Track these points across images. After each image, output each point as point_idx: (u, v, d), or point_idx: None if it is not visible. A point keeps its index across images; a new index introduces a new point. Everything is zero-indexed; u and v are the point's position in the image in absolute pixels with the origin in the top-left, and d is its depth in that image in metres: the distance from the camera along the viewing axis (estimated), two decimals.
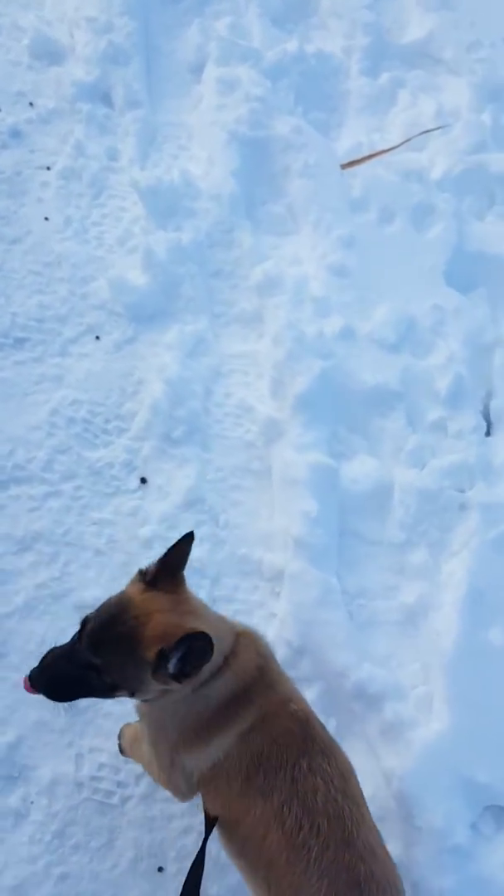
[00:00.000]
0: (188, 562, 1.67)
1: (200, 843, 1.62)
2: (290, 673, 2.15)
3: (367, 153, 3.21)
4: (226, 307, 2.86)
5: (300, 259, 2.96)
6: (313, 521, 2.25)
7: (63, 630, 2.13)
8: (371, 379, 2.56)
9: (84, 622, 1.50)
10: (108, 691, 1.49)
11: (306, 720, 1.58)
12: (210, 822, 1.61)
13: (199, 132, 3.24)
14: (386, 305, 2.73)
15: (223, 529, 2.38)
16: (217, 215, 2.97)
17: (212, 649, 1.36)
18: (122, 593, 1.51)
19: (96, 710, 2.06)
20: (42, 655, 1.52)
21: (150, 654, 1.38)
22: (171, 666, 1.37)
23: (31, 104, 3.25)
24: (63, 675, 1.47)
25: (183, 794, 1.67)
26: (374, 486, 2.41)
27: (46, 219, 2.94)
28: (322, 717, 2.06)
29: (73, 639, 1.50)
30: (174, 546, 1.52)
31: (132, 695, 1.51)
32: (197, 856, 1.59)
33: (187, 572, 2.20)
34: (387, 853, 1.57)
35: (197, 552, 2.26)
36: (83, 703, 2.05)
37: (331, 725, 2.11)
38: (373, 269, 2.84)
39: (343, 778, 1.55)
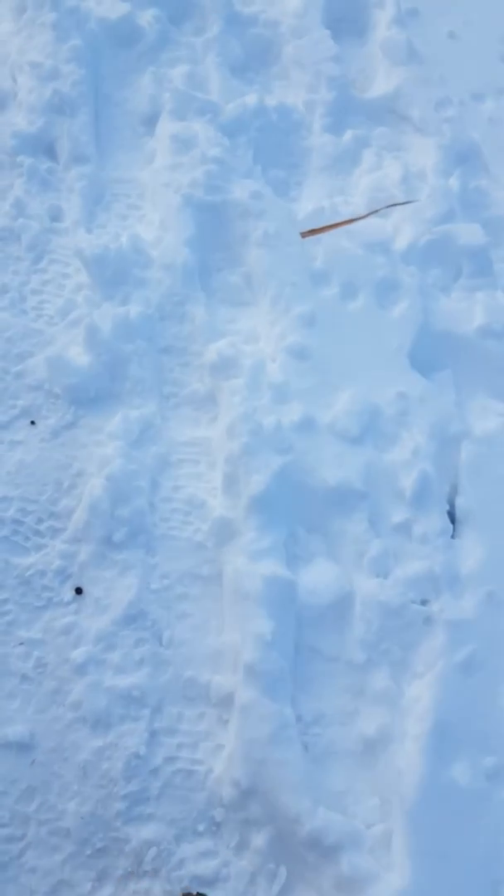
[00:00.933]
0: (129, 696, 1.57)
1: None
2: (237, 815, 2.07)
3: (329, 220, 3.17)
4: (176, 387, 2.78)
5: (257, 336, 2.89)
6: (267, 645, 2.16)
7: None
8: (332, 476, 2.49)
9: None
10: None
11: None
12: None
13: (151, 192, 3.17)
14: (348, 392, 2.67)
15: (167, 648, 2.27)
16: (169, 286, 2.89)
17: None
18: None
19: (20, 866, 1.91)
20: None
21: None
22: None
23: None
24: None
25: None
26: (333, 597, 2.34)
27: None
28: (271, 866, 1.98)
29: None
30: None
31: None
32: None
33: (124, 701, 2.10)
34: None
35: (136, 678, 2.18)
36: (4, 858, 1.91)
37: (280, 875, 2.01)
38: (335, 351, 2.78)
39: None
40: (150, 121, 3.40)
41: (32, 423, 2.57)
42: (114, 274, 2.85)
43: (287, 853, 2.03)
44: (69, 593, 2.30)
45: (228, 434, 2.51)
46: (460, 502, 2.59)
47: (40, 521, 2.41)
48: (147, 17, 3.51)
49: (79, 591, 2.31)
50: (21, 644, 2.19)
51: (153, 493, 2.51)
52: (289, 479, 2.47)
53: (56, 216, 3.07)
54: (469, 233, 3.17)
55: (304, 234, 3.10)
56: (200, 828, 2.05)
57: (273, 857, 2.03)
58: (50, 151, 3.21)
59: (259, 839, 2.04)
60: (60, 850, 1.93)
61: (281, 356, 2.75)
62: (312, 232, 3.12)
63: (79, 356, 2.66)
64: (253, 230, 3.03)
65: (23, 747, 2.04)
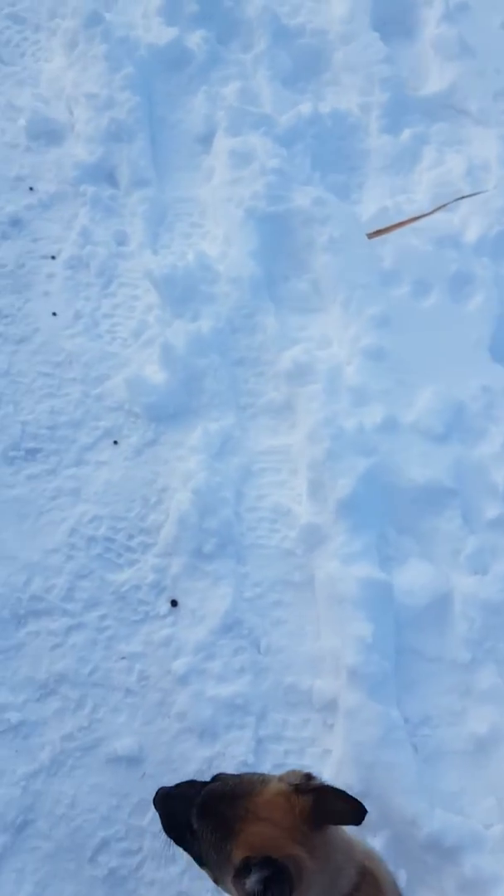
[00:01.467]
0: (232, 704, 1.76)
1: None
2: None
3: (394, 220, 3.22)
4: (252, 398, 2.85)
5: (330, 340, 2.96)
6: (369, 648, 2.18)
7: (97, 786, 2.08)
8: (420, 475, 2.52)
9: (214, 778, 1.50)
10: (196, 859, 1.47)
11: None
12: None
13: (212, 208, 3.28)
14: (429, 389, 2.71)
15: (266, 655, 2.32)
16: (237, 299, 2.98)
17: (289, 886, 1.27)
18: (262, 779, 1.45)
19: (138, 879, 1.98)
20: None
21: (237, 855, 1.32)
22: (250, 883, 1.30)
23: (31, 189, 3.33)
24: (172, 817, 1.49)
25: None
26: (431, 597, 2.36)
27: (54, 314, 2.97)
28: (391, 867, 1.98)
29: (200, 787, 1.48)
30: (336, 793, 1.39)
31: (216, 882, 1.44)
32: None
33: (228, 710, 2.16)
34: None
35: (238, 686, 2.23)
36: (123, 871, 1.98)
37: (401, 877, 2.02)
38: (411, 350, 2.82)
39: None
40: (206, 139, 3.53)
41: (115, 442, 2.68)
42: (183, 292, 2.96)
43: (405, 855, 2.04)
44: (165, 606, 2.38)
45: (310, 440, 2.57)
46: None
47: (131, 537, 2.50)
48: (195, 39, 3.66)
49: (174, 603, 2.39)
50: (123, 658, 2.28)
51: (238, 503, 2.58)
52: (376, 481, 2.51)
53: (122, 241, 3.20)
54: None
55: (370, 236, 3.16)
56: None
57: (391, 860, 2.03)
58: (111, 178, 3.37)
59: (375, 842, 2.05)
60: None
61: (357, 359, 2.80)
62: (379, 232, 3.19)
63: (155, 374, 2.77)
64: (318, 236, 3.11)
65: (132, 761, 2.11)
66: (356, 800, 1.36)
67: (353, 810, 1.36)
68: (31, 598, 2.35)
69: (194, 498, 2.48)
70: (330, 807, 1.38)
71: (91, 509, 2.53)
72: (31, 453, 2.64)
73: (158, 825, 2.01)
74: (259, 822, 1.35)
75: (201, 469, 2.54)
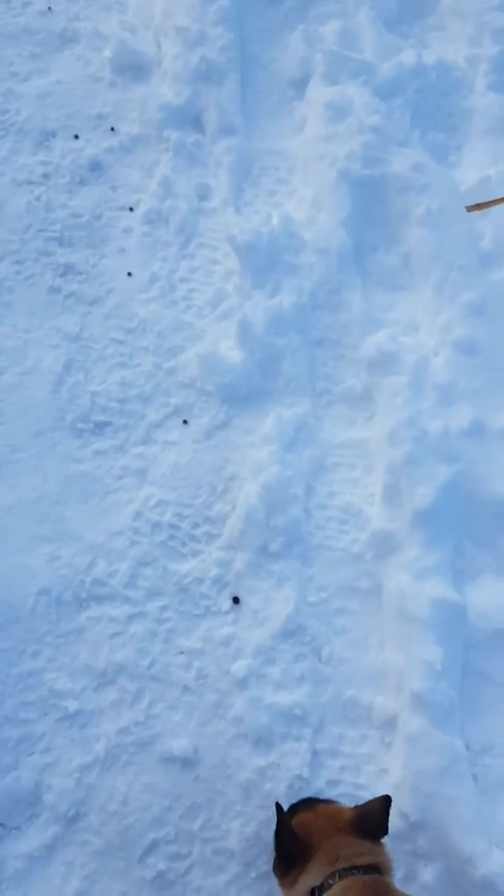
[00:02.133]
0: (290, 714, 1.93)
1: None
2: (404, 846, 2.05)
3: (497, 192, 2.95)
4: (330, 383, 2.70)
5: (417, 325, 2.76)
6: (437, 675, 2.09)
7: (150, 785, 2.06)
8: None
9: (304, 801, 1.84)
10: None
11: None
12: None
13: (302, 164, 3.05)
14: None
15: (327, 665, 2.25)
16: (323, 273, 2.79)
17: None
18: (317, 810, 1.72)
19: (185, 885, 1.98)
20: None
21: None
22: None
23: (112, 129, 3.13)
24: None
25: None
26: None
27: (129, 274, 2.82)
28: None
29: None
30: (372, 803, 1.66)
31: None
32: None
33: (285, 719, 2.11)
34: None
35: (297, 695, 2.17)
36: (171, 875, 1.98)
37: None
38: None
39: None
40: (300, 84, 3.26)
41: (185, 422, 2.57)
42: (265, 261, 2.78)
43: (458, 891, 2.00)
44: (227, 603, 2.31)
45: (390, 441, 2.42)
46: None
47: (196, 525, 2.42)
48: None
49: (236, 600, 2.32)
50: (182, 653, 2.23)
51: (308, 499, 2.47)
52: (457, 491, 2.37)
53: (204, 195, 3.00)
54: None
55: (469, 209, 2.90)
56: None
57: (442, 892, 2.01)
58: (196, 123, 3.14)
59: (427, 873, 2.02)
60: (225, 871, 1.98)
61: (446, 350, 2.61)
62: (479, 206, 2.92)
63: (231, 353, 2.62)
64: (414, 207, 2.87)
65: (187, 762, 2.09)
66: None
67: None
68: (93, 582, 2.30)
69: (263, 493, 2.37)
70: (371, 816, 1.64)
71: (157, 493, 2.44)
72: (100, 427, 2.54)
73: (209, 831, 2.02)
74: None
75: (273, 462, 2.42)
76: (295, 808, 1.82)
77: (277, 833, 1.60)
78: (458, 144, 3.28)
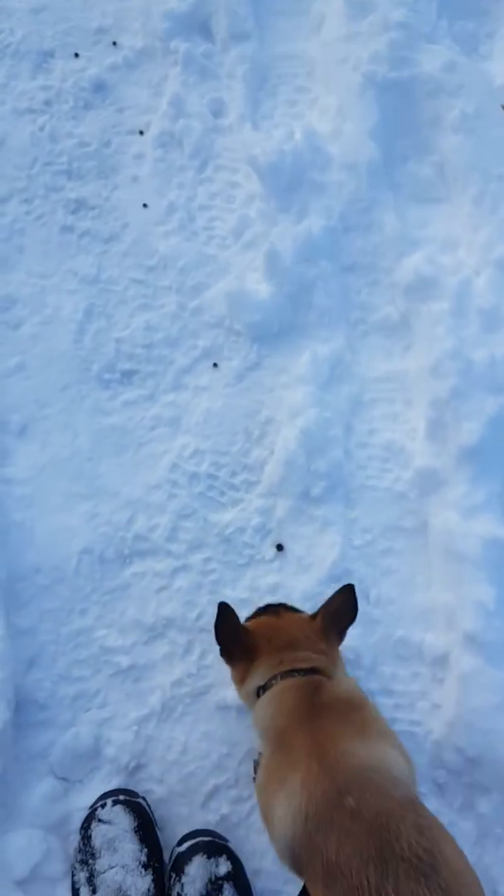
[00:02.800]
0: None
1: None
2: (461, 780, 2.09)
3: None
4: (364, 312, 2.58)
5: (456, 242, 2.60)
6: (490, 614, 2.08)
7: (207, 734, 2.10)
8: None
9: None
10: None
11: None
12: None
13: (322, 69, 2.81)
14: None
15: (375, 607, 2.25)
16: (353, 190, 2.61)
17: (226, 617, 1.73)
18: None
19: (248, 826, 2.05)
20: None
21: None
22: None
23: (114, 44, 2.90)
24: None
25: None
26: None
27: (145, 206, 2.67)
28: (498, 830, 2.01)
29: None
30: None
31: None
32: None
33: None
34: None
35: (347, 638, 2.17)
36: (234, 818, 2.04)
37: None
38: None
39: None
40: None
41: (215, 365, 2.48)
42: (289, 181, 2.61)
43: None
44: (270, 551, 2.29)
45: (432, 373, 2.33)
46: None
47: (234, 474, 2.37)
48: None
49: (280, 547, 2.30)
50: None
51: (347, 439, 2.40)
52: None
53: (218, 111, 2.80)
54: None
55: None
56: (423, 789, 2.10)
57: (500, 822, 2.06)
58: (205, 30, 2.90)
59: (484, 804, 2.06)
60: None
61: (488, 270, 2.47)
62: None
63: (259, 287, 2.50)
64: (447, 111, 2.66)
65: (241, 709, 2.11)
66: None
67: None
68: (135, 538, 2.28)
69: (302, 437, 2.30)
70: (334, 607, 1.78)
71: (192, 442, 2.39)
72: (127, 376, 2.46)
73: None
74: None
75: (310, 404, 2.34)
76: (261, 611, 1.97)
77: (216, 628, 1.74)
78: (490, 31, 3.01)
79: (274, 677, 1.69)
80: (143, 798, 2.00)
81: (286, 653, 1.71)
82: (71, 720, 2.10)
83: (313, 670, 1.68)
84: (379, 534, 2.32)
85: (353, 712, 1.57)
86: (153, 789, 2.06)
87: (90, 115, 2.79)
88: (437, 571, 2.26)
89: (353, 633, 2.18)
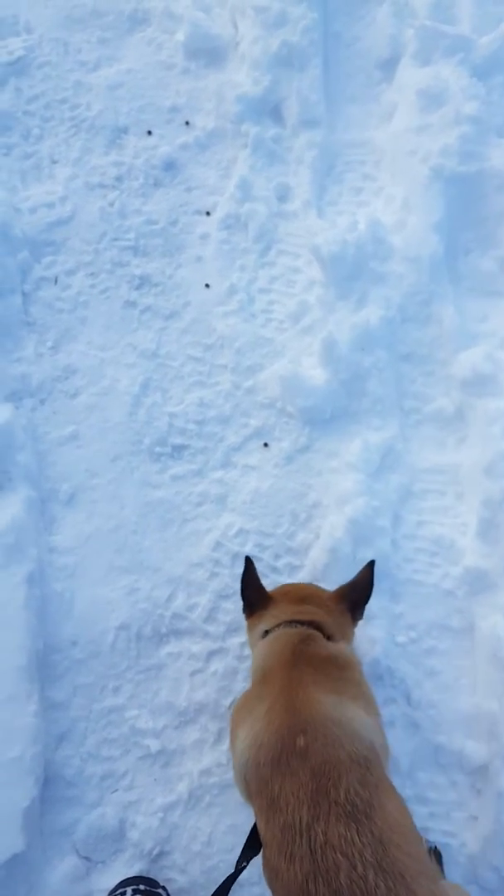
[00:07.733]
0: None
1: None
2: None
3: None
4: (418, 402, 2.73)
5: None
6: None
7: (233, 827, 2.19)
8: None
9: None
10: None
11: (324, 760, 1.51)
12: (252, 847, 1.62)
13: (390, 159, 3.03)
14: None
15: (417, 710, 2.33)
16: (413, 283, 2.79)
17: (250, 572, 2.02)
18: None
19: None
20: None
21: None
22: None
23: (186, 124, 3.16)
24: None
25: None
26: None
27: (207, 286, 2.88)
28: None
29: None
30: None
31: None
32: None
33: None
34: None
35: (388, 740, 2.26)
36: None
37: None
38: None
39: (381, 845, 1.37)
40: (388, 65, 3.23)
41: (265, 445, 2.64)
42: (351, 270, 2.80)
43: None
44: None
45: (486, 473, 2.45)
46: None
47: (277, 557, 2.51)
48: None
49: None
50: None
51: (395, 530, 2.52)
52: None
53: (283, 195, 3.03)
54: None
55: None
56: None
57: None
58: (276, 114, 3.15)
59: None
60: None
61: None
62: None
63: (314, 372, 2.67)
64: None
65: None
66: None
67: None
68: (173, 616, 2.42)
69: (349, 526, 2.43)
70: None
71: (237, 521, 2.54)
72: (178, 450, 2.64)
73: None
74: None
75: (359, 493, 2.48)
76: (286, 585, 2.16)
77: (243, 579, 2.00)
78: None
79: (279, 624, 1.89)
80: (164, 888, 2.08)
81: (295, 606, 1.95)
82: (97, 800, 2.21)
83: (313, 624, 1.87)
84: (424, 631, 2.42)
85: (335, 669, 1.74)
86: (175, 878, 2.15)
87: (159, 193, 3.04)
88: (483, 677, 2.34)
89: (391, 735, 2.27)
